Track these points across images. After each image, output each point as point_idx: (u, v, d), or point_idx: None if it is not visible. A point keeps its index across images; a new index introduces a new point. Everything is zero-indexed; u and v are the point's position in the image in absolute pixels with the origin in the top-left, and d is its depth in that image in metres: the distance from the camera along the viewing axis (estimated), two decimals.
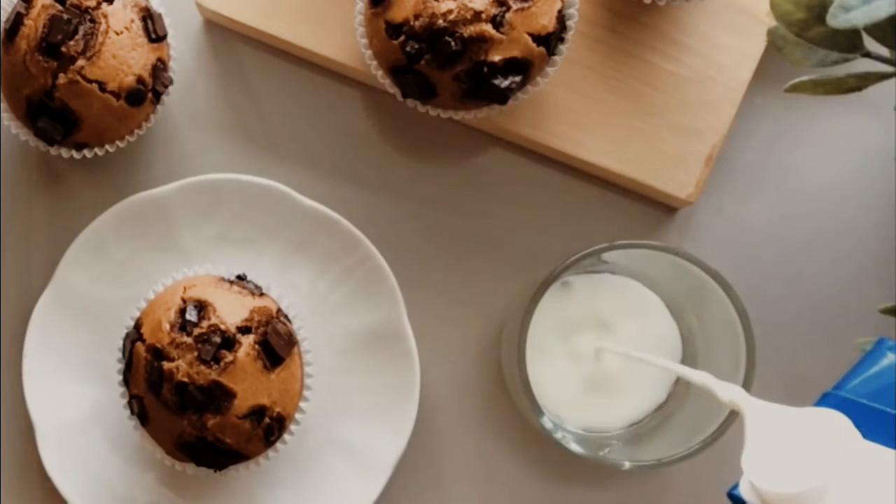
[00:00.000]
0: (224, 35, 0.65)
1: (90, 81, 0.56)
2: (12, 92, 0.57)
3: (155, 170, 0.64)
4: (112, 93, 0.56)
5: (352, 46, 0.61)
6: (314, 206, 0.61)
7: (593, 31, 0.62)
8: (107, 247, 0.61)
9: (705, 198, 0.64)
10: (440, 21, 0.54)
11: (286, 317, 0.57)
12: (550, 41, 0.57)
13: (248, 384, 0.54)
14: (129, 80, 0.57)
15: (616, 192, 0.64)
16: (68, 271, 0.61)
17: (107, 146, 0.59)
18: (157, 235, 0.62)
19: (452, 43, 0.55)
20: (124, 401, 0.57)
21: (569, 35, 0.58)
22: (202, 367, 0.53)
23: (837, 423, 0.43)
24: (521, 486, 0.64)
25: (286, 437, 0.57)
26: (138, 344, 0.55)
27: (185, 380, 0.53)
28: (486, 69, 0.55)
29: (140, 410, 0.56)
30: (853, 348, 0.60)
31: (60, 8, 0.56)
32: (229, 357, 0.54)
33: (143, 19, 0.58)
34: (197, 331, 0.54)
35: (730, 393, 0.48)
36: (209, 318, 0.54)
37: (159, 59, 0.58)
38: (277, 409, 0.55)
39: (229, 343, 0.54)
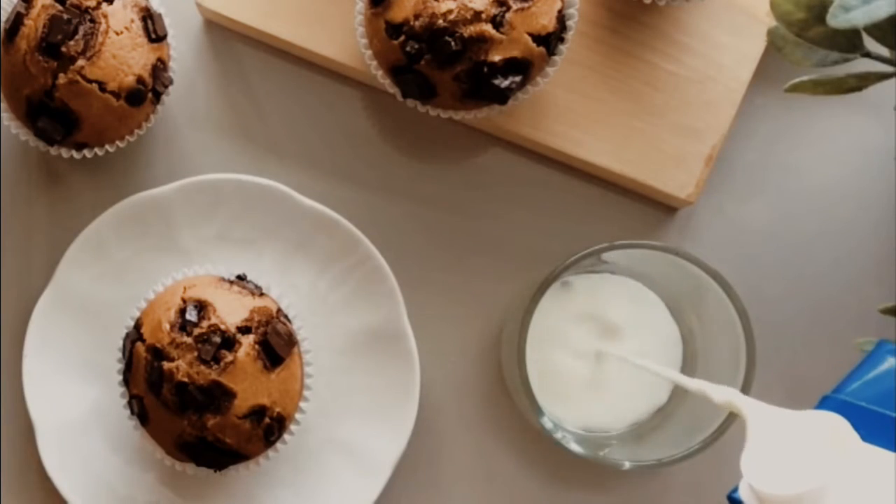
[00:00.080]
0: (224, 35, 0.65)
1: (90, 81, 0.56)
2: (12, 92, 0.57)
3: (155, 170, 0.64)
4: (112, 93, 0.56)
5: (352, 46, 0.61)
6: (314, 206, 0.61)
7: (593, 31, 0.62)
8: (107, 247, 0.61)
9: (705, 198, 0.64)
10: (440, 21, 0.54)
11: (286, 317, 0.57)
12: (550, 41, 0.57)
13: (248, 384, 0.54)
14: (129, 80, 0.57)
15: (616, 192, 0.64)
16: (68, 271, 0.61)
17: (107, 146, 0.59)
18: (157, 235, 0.62)
19: (452, 43, 0.55)
20: (124, 401, 0.57)
21: (569, 35, 0.58)
22: (202, 367, 0.54)
23: (836, 426, 0.43)
24: (521, 486, 0.64)
25: (286, 437, 0.57)
26: (138, 344, 0.55)
27: (185, 380, 0.53)
28: (486, 69, 0.55)
29: (140, 410, 0.56)
30: (853, 348, 0.60)
31: (60, 8, 0.56)
32: (229, 357, 0.54)
33: (143, 19, 0.58)
34: (197, 331, 0.54)
35: (728, 396, 0.48)
36: (209, 318, 0.54)
37: (159, 59, 0.58)
38: (277, 409, 0.55)
39: (229, 343, 0.54)
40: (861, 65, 0.57)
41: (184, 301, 0.55)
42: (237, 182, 0.61)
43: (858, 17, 0.53)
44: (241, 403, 0.54)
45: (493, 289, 0.64)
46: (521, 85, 0.57)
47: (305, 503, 0.61)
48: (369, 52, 0.58)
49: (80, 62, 0.55)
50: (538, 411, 0.56)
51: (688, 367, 0.61)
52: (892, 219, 0.65)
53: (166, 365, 0.54)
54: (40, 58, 0.55)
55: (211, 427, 0.54)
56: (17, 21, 0.56)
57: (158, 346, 0.54)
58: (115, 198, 0.61)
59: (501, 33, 0.55)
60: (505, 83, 0.56)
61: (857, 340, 0.60)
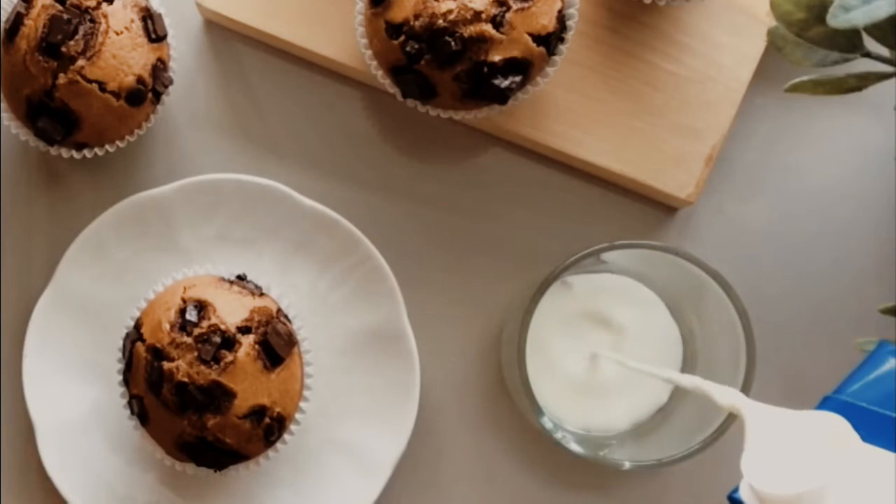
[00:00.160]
0: (224, 35, 0.65)
1: (90, 81, 0.56)
2: (12, 92, 0.57)
3: (155, 170, 0.64)
4: (112, 93, 0.56)
5: (352, 46, 0.61)
6: (314, 206, 0.61)
7: (593, 31, 0.62)
8: (107, 247, 0.61)
9: (705, 198, 0.64)
10: (440, 21, 0.54)
11: (286, 317, 0.57)
12: (550, 41, 0.57)
13: (248, 384, 0.54)
14: (129, 80, 0.57)
15: (616, 192, 0.64)
16: (68, 271, 0.61)
17: (107, 146, 0.59)
18: (157, 235, 0.62)
19: (452, 43, 0.55)
20: (124, 401, 0.57)
21: (569, 35, 0.58)
22: (202, 367, 0.54)
23: (836, 426, 0.43)
24: (521, 486, 0.64)
25: (286, 437, 0.57)
26: (138, 344, 0.55)
27: (185, 380, 0.53)
28: (486, 69, 0.55)
29: (140, 410, 0.56)
30: (853, 348, 0.60)
31: (60, 8, 0.56)
32: (229, 357, 0.54)
33: (143, 19, 0.58)
34: (197, 331, 0.54)
35: (729, 397, 0.48)
36: (209, 318, 0.54)
37: (159, 59, 0.58)
38: (277, 409, 0.55)
39: (229, 343, 0.54)
40: (861, 65, 0.57)
41: (184, 301, 0.55)
42: (237, 182, 0.61)
43: (858, 17, 0.53)
44: (241, 403, 0.54)
45: (493, 289, 0.64)
46: (521, 85, 0.57)
47: (305, 503, 0.61)
48: (369, 52, 0.58)
49: (80, 62, 0.55)
50: (538, 411, 0.56)
51: (688, 368, 0.61)
52: (892, 219, 0.65)
53: (166, 365, 0.54)
54: (40, 58, 0.55)
55: (211, 427, 0.54)
56: (17, 21, 0.56)
57: (158, 346, 0.54)
58: (115, 198, 0.61)
59: (501, 33, 0.55)
60: (505, 83, 0.56)
61: (857, 340, 0.60)
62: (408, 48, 0.55)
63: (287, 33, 0.62)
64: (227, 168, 0.63)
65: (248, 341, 0.55)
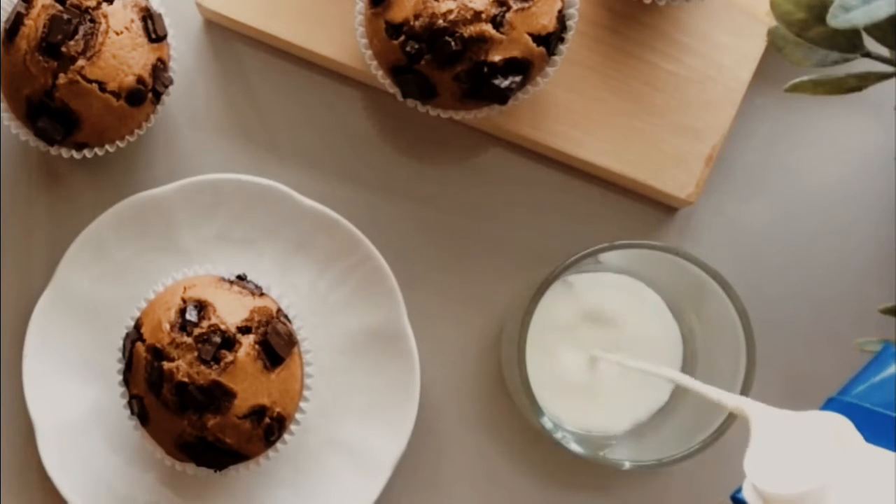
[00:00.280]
0: (224, 35, 0.65)
1: (90, 81, 0.56)
2: (12, 92, 0.57)
3: (155, 170, 0.64)
4: (112, 93, 0.56)
5: (352, 46, 0.61)
6: (314, 206, 0.61)
7: (593, 31, 0.62)
8: (107, 247, 0.61)
9: (705, 198, 0.64)
10: (440, 21, 0.54)
11: (286, 317, 0.57)
12: (550, 41, 0.57)
13: (248, 384, 0.54)
14: (129, 80, 0.57)
15: (616, 192, 0.64)
16: (68, 271, 0.61)
17: (107, 146, 0.59)
18: (157, 235, 0.62)
19: (452, 43, 0.54)
20: (124, 401, 0.57)
21: (569, 35, 0.58)
22: (202, 367, 0.53)
23: (839, 426, 0.43)
24: (521, 485, 0.64)
25: (286, 437, 0.57)
26: (138, 344, 0.55)
27: (185, 380, 0.53)
28: (486, 69, 0.55)
29: (140, 410, 0.56)
30: (853, 348, 0.60)
31: (60, 8, 0.56)
32: (229, 357, 0.54)
33: (143, 19, 0.58)
34: (197, 331, 0.54)
35: (731, 399, 0.48)
36: (209, 318, 0.54)
37: (159, 59, 0.58)
38: (277, 409, 0.55)
39: (229, 343, 0.54)
40: (861, 65, 0.57)
41: (184, 301, 0.55)
42: (237, 182, 0.61)
43: (858, 17, 0.53)
44: (241, 403, 0.54)
45: (493, 289, 0.64)
46: (521, 85, 0.57)
47: (305, 503, 0.61)
48: (369, 52, 0.58)
49: (80, 62, 0.55)
50: (538, 411, 0.56)
51: (688, 367, 0.61)
52: (893, 219, 0.65)
53: (166, 365, 0.54)
54: (40, 58, 0.55)
55: (211, 427, 0.54)
56: (17, 21, 0.56)
57: (158, 346, 0.54)
58: (115, 198, 0.61)
59: (501, 33, 0.55)
60: (505, 83, 0.56)
61: (858, 340, 0.60)
62: (408, 48, 0.55)
63: (287, 33, 0.62)
64: (227, 168, 0.63)
65: (248, 341, 0.54)
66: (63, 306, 0.61)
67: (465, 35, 0.54)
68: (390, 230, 0.63)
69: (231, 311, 0.55)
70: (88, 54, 0.56)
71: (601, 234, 0.63)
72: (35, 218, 0.64)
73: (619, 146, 0.62)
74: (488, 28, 0.55)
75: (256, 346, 0.55)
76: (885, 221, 0.65)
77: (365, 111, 0.65)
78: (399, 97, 0.58)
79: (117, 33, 0.56)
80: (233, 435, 0.54)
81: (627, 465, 0.56)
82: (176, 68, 0.60)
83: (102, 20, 0.56)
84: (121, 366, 0.57)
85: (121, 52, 0.56)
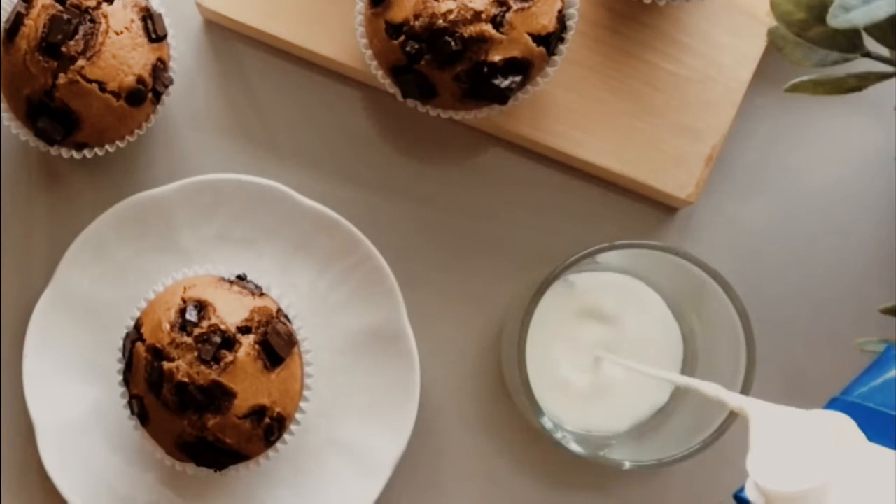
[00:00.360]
0: (224, 35, 0.65)
1: (90, 81, 0.56)
2: (12, 92, 0.57)
3: (155, 170, 0.64)
4: (112, 93, 0.56)
5: (352, 46, 0.61)
6: (314, 206, 0.61)
7: (593, 31, 0.62)
8: (107, 247, 0.61)
9: (705, 198, 0.64)
10: (440, 21, 0.54)
11: (286, 317, 0.57)
12: (550, 41, 0.57)
13: (248, 384, 0.54)
14: (129, 80, 0.57)
15: (616, 192, 0.64)
16: (68, 271, 0.61)
17: (107, 146, 0.59)
18: (157, 235, 0.62)
19: (452, 43, 0.54)
20: (124, 401, 0.57)
21: (569, 35, 0.58)
22: (202, 367, 0.53)
23: (841, 424, 0.43)
24: (521, 485, 0.64)
25: (286, 437, 0.57)
26: (138, 344, 0.55)
27: (185, 380, 0.53)
28: (486, 69, 0.55)
29: (140, 410, 0.56)
30: (853, 348, 0.60)
31: (60, 8, 0.56)
32: (229, 357, 0.54)
33: (143, 19, 0.58)
34: (197, 331, 0.54)
35: (740, 402, 0.48)
36: (209, 318, 0.54)
37: (159, 59, 0.58)
38: (277, 409, 0.55)
39: (229, 343, 0.54)
40: (861, 65, 0.57)
41: (184, 301, 0.55)
42: (237, 182, 0.61)
43: (858, 17, 0.53)
44: (241, 403, 0.54)
45: (493, 289, 0.64)
46: (521, 85, 0.57)
47: (305, 503, 0.61)
48: (369, 52, 0.58)
49: (80, 62, 0.55)
50: (538, 411, 0.56)
51: (688, 367, 0.61)
52: (893, 219, 0.65)
53: (166, 365, 0.54)
54: (40, 58, 0.55)
55: (211, 427, 0.54)
56: (17, 21, 0.56)
57: (158, 346, 0.54)
58: (115, 198, 0.61)
59: (501, 33, 0.55)
60: (505, 83, 0.56)
61: (858, 340, 0.60)
62: (408, 48, 0.55)
63: (287, 33, 0.62)
64: (227, 168, 0.63)
65: (248, 341, 0.54)
66: (63, 306, 0.61)
67: (465, 35, 0.54)
68: (390, 230, 0.63)
69: (231, 311, 0.55)
70: (88, 54, 0.56)
71: (601, 234, 0.63)
72: (35, 218, 0.64)
73: (619, 146, 0.62)
74: (488, 28, 0.55)
75: (256, 346, 0.55)
76: (885, 221, 0.65)
77: (365, 111, 0.65)
78: (399, 97, 0.58)
79: (117, 33, 0.56)
80: (233, 435, 0.54)
81: (627, 465, 0.56)
82: (176, 68, 0.60)
83: (102, 20, 0.56)
84: (121, 366, 0.57)
85: (121, 52, 0.56)
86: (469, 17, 0.54)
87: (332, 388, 0.61)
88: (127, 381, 0.56)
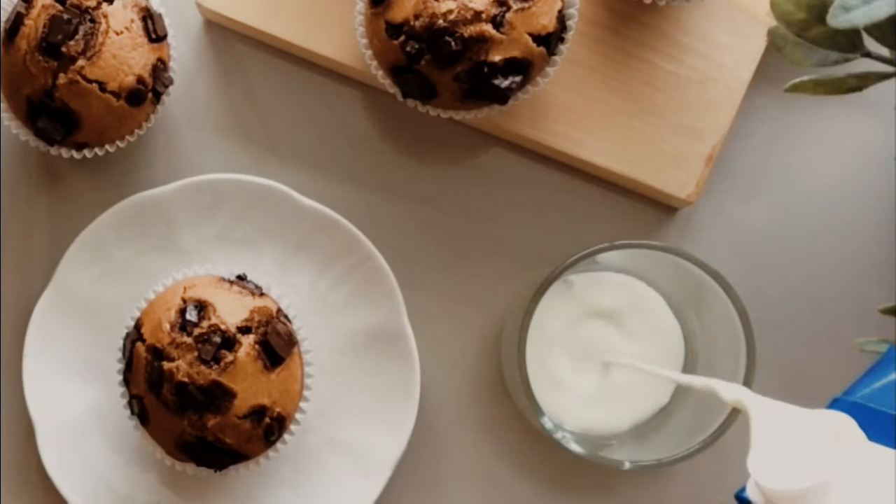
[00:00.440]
0: (224, 35, 0.65)
1: (90, 81, 0.56)
2: (12, 92, 0.57)
3: (155, 170, 0.64)
4: (112, 93, 0.56)
5: (352, 46, 0.61)
6: (314, 206, 0.61)
7: (593, 31, 0.62)
8: (107, 247, 0.61)
9: (705, 198, 0.64)
10: (440, 21, 0.54)
11: (286, 317, 0.57)
12: (550, 41, 0.57)
13: (249, 384, 0.54)
14: (130, 80, 0.57)
15: (616, 192, 0.64)
16: (68, 271, 0.61)
17: (107, 146, 0.59)
18: (157, 235, 0.62)
19: (452, 43, 0.54)
20: (124, 401, 0.57)
21: (569, 35, 0.58)
22: (202, 367, 0.53)
23: (842, 423, 0.43)
24: (521, 485, 0.64)
25: (286, 437, 0.57)
26: (138, 344, 0.55)
27: (186, 380, 0.53)
28: (486, 69, 0.55)
29: (140, 410, 0.56)
30: (853, 348, 0.60)
31: (60, 8, 0.56)
32: (229, 357, 0.54)
33: (143, 19, 0.58)
34: (197, 331, 0.54)
35: (736, 393, 0.48)
36: (209, 318, 0.54)
37: (159, 59, 0.58)
38: (277, 409, 0.55)
39: (229, 343, 0.54)
40: (861, 65, 0.57)
41: (184, 301, 0.55)
42: (237, 182, 0.61)
43: (858, 17, 0.53)
44: (241, 403, 0.54)
45: (493, 289, 0.64)
46: (522, 85, 0.57)
47: (305, 503, 0.61)
48: (369, 52, 0.58)
49: (81, 62, 0.55)
50: (538, 411, 0.56)
51: (689, 367, 0.61)
52: (893, 219, 0.65)
53: (166, 365, 0.54)
54: (40, 58, 0.55)
55: (211, 427, 0.54)
56: (17, 21, 0.56)
57: (158, 346, 0.54)
58: (115, 198, 0.61)
59: (501, 33, 0.55)
60: (505, 83, 0.56)
61: (858, 340, 0.60)
62: (408, 48, 0.55)
63: (287, 33, 0.62)
64: (227, 168, 0.63)
65: (248, 341, 0.54)
66: (63, 306, 0.61)
67: (465, 35, 0.54)
68: (390, 230, 0.63)
69: (231, 311, 0.55)
70: (88, 54, 0.56)
71: (601, 234, 0.63)
72: (35, 218, 0.64)
73: (619, 146, 0.62)
74: (488, 28, 0.55)
75: (256, 346, 0.55)
76: (885, 221, 0.65)
77: (365, 111, 0.65)
78: (399, 97, 0.58)
79: (117, 33, 0.56)
80: (233, 435, 0.54)
81: (627, 465, 0.56)
82: (176, 68, 0.60)
83: (102, 20, 0.56)
84: (121, 366, 0.57)
85: (121, 52, 0.56)
86: (469, 17, 0.54)
87: (332, 388, 0.61)
88: (127, 381, 0.56)
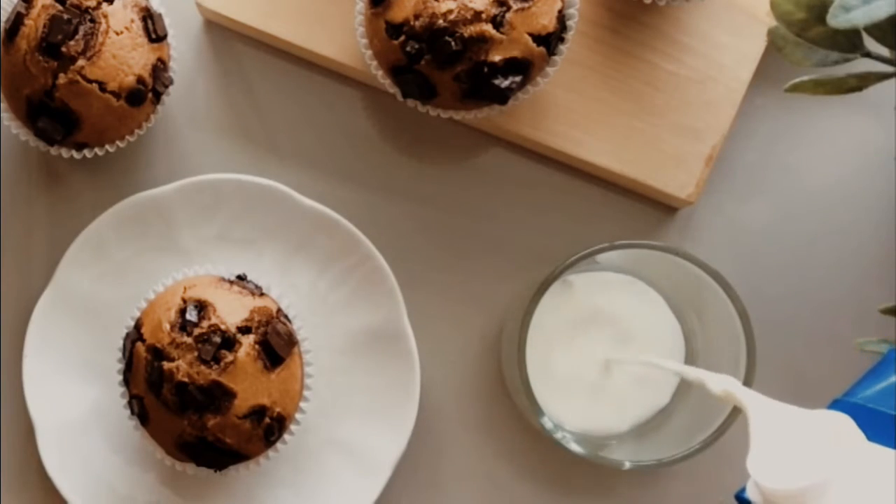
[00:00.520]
0: (224, 35, 0.65)
1: (90, 81, 0.56)
2: (12, 92, 0.57)
3: (155, 170, 0.64)
4: (112, 93, 0.56)
5: (352, 46, 0.61)
6: (314, 206, 0.61)
7: (593, 31, 0.62)
8: (107, 247, 0.61)
9: (705, 198, 0.64)
10: (440, 21, 0.54)
11: (286, 317, 0.57)
12: (550, 41, 0.57)
13: (249, 384, 0.54)
14: (130, 80, 0.57)
15: (616, 192, 0.64)
16: (68, 271, 0.61)
17: (107, 146, 0.59)
18: (157, 235, 0.62)
19: (452, 43, 0.54)
20: (124, 401, 0.57)
21: (569, 35, 0.58)
22: (202, 367, 0.53)
23: (841, 423, 0.43)
24: (521, 486, 0.64)
25: (286, 437, 0.57)
26: (138, 344, 0.55)
27: (186, 380, 0.53)
28: (486, 69, 0.55)
29: (140, 410, 0.56)
30: (853, 348, 0.60)
31: (60, 8, 0.56)
32: (229, 357, 0.54)
33: (143, 19, 0.58)
34: (197, 331, 0.54)
35: (723, 384, 0.48)
36: (209, 318, 0.54)
37: (159, 59, 0.58)
38: (277, 409, 0.55)
39: (229, 343, 0.54)
40: (861, 65, 0.57)
41: (184, 301, 0.55)
42: (237, 182, 0.61)
43: (859, 17, 0.53)
44: (241, 403, 0.54)
45: (493, 289, 0.64)
46: (522, 85, 0.57)
47: (305, 503, 0.61)
48: (369, 52, 0.58)
49: (81, 62, 0.55)
50: (538, 411, 0.56)
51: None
52: (893, 219, 0.65)
53: (166, 365, 0.54)
54: (40, 58, 0.55)
55: (211, 427, 0.54)
56: (17, 21, 0.56)
57: (158, 346, 0.54)
58: (115, 198, 0.61)
59: (501, 33, 0.55)
60: (505, 83, 0.56)
61: (858, 340, 0.60)
62: (408, 48, 0.55)
63: (287, 33, 0.62)
64: (227, 168, 0.63)
65: (248, 341, 0.54)
66: (63, 306, 0.61)
67: (465, 35, 0.54)
68: (390, 230, 0.63)
69: (231, 311, 0.55)
70: (88, 54, 0.56)
71: (601, 234, 0.63)
72: (35, 218, 0.64)
73: (619, 146, 0.62)
74: (488, 28, 0.55)
75: (256, 346, 0.55)
76: (885, 221, 0.65)
77: (365, 111, 0.65)
78: (399, 97, 0.58)
79: (117, 33, 0.56)
80: (233, 435, 0.54)
81: (627, 465, 0.56)
82: (176, 68, 0.60)
83: (102, 20, 0.56)
84: (121, 366, 0.57)
85: (121, 52, 0.56)
86: (469, 17, 0.54)
87: (332, 388, 0.61)
88: (127, 381, 0.56)
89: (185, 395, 0.53)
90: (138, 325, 0.56)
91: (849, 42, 0.57)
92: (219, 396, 0.54)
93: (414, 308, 0.61)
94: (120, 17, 0.57)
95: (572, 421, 0.60)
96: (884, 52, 0.57)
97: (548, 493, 0.64)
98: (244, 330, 0.55)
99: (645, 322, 0.60)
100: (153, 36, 0.58)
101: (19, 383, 0.61)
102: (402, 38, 0.56)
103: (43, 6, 0.56)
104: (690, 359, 0.61)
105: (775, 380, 0.63)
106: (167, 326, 0.54)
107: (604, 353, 0.60)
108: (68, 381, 0.61)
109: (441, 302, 0.64)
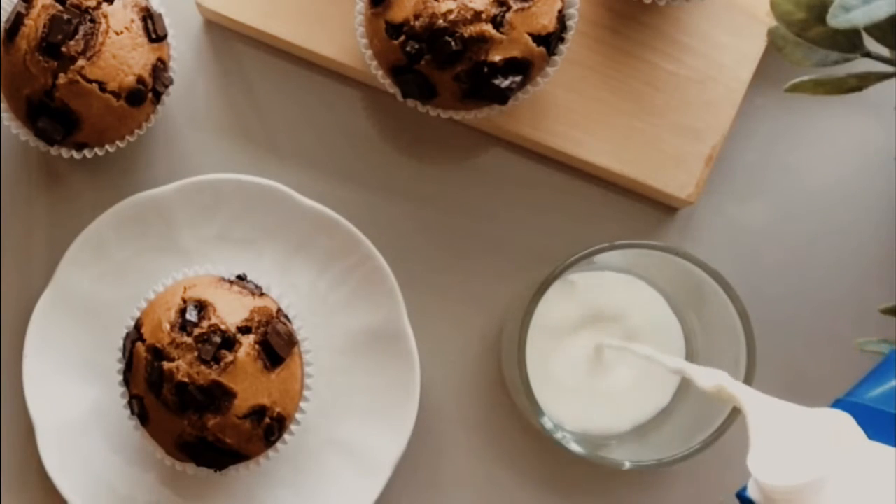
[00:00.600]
0: (224, 35, 0.65)
1: (90, 81, 0.56)
2: (12, 92, 0.57)
3: (155, 170, 0.64)
4: (112, 93, 0.56)
5: (352, 46, 0.61)
6: (314, 206, 0.61)
7: (593, 31, 0.62)
8: (107, 247, 0.61)
9: (705, 198, 0.64)
10: (440, 21, 0.54)
11: (286, 317, 0.57)
12: (551, 41, 0.57)
13: (249, 384, 0.54)
14: (130, 80, 0.57)
15: (616, 192, 0.64)
16: (68, 271, 0.61)
17: (107, 146, 0.59)
18: (157, 235, 0.62)
19: (452, 43, 0.54)
20: (124, 401, 0.57)
21: (569, 35, 0.58)
22: (202, 367, 0.53)
23: (841, 421, 0.43)
24: (521, 486, 0.64)
25: (286, 437, 0.57)
26: (138, 344, 0.55)
27: (186, 380, 0.53)
28: (486, 69, 0.55)
29: (140, 410, 0.56)
30: (853, 348, 0.60)
31: (61, 8, 0.56)
32: (229, 357, 0.54)
33: (144, 19, 0.58)
34: (197, 331, 0.54)
35: (714, 379, 0.48)
36: (209, 318, 0.54)
37: (159, 59, 0.58)
38: (277, 409, 0.55)
39: (229, 343, 0.54)
40: (861, 65, 0.57)
41: (184, 301, 0.55)
42: (237, 182, 0.61)
43: (858, 17, 0.53)
44: (242, 403, 0.54)
45: (493, 289, 0.64)
46: (522, 85, 0.57)
47: (305, 503, 0.61)
48: (369, 52, 0.58)
49: (81, 62, 0.55)
50: (538, 411, 0.56)
51: None
52: (893, 219, 0.65)
53: (166, 365, 0.54)
54: (40, 58, 0.55)
55: (211, 427, 0.54)
56: (17, 21, 0.56)
57: (158, 346, 0.54)
58: (115, 198, 0.61)
59: (501, 33, 0.55)
60: (505, 83, 0.56)
61: (858, 340, 0.60)
62: (408, 48, 0.55)
63: (287, 33, 0.62)
64: (227, 168, 0.63)
65: (248, 341, 0.54)
66: (63, 306, 0.61)
67: (465, 35, 0.54)
68: (390, 230, 0.63)
69: (231, 311, 0.55)
70: (88, 54, 0.56)
71: (601, 234, 0.63)
72: (35, 218, 0.64)
73: (619, 146, 0.62)
74: (488, 28, 0.55)
75: (256, 346, 0.55)
76: (885, 221, 0.65)
77: (365, 111, 0.65)
78: (399, 97, 0.58)
79: (117, 33, 0.56)
80: (233, 435, 0.54)
81: (627, 465, 0.56)
82: (176, 68, 0.60)
83: (102, 20, 0.56)
84: (121, 366, 0.57)
85: (121, 52, 0.56)
86: (469, 17, 0.54)
87: (332, 388, 0.61)
88: (127, 381, 0.56)
89: (185, 395, 0.53)
90: (138, 325, 0.56)
91: (849, 42, 0.57)
92: (219, 396, 0.54)
93: (414, 308, 0.61)
94: (120, 17, 0.57)
95: (572, 421, 0.60)
96: (884, 52, 0.57)
97: (548, 493, 0.64)
98: (244, 330, 0.55)
99: (645, 322, 0.60)
100: (153, 36, 0.58)
101: (19, 383, 0.61)
102: (402, 38, 0.56)
103: (43, 6, 0.56)
104: (690, 359, 0.61)
105: (775, 380, 0.63)
106: (167, 326, 0.54)
107: (608, 341, 0.59)
108: (68, 381, 0.61)
109: (441, 302, 0.64)
